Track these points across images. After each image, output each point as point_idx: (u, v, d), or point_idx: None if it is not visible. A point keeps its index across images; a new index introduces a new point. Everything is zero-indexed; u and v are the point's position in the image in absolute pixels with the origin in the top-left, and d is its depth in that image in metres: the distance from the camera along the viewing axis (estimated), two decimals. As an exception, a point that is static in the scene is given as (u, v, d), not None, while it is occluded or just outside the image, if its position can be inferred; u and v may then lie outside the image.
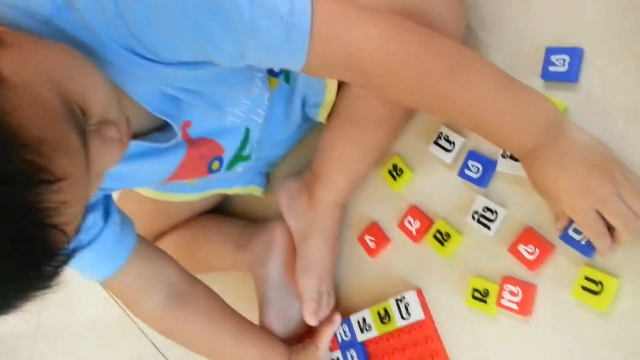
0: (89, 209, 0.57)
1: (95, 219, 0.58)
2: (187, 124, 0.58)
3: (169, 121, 0.52)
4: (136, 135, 0.53)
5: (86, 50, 0.44)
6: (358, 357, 0.70)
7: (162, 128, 0.55)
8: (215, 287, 0.74)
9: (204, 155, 0.64)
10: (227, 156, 0.66)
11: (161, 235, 0.84)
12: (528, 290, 0.56)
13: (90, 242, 0.58)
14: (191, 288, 0.68)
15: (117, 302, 0.93)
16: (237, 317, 0.71)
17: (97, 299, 1.13)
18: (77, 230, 0.38)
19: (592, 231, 0.49)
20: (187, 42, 0.46)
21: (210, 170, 0.67)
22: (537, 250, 0.56)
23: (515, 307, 0.57)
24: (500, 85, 0.49)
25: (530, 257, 0.56)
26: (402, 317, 0.65)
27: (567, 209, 0.50)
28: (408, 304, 0.64)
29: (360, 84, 0.54)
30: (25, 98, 0.35)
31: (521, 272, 0.58)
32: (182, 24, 0.44)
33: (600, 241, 0.49)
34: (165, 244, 0.82)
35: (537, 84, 0.58)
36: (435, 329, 0.64)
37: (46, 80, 0.37)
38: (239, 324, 0.70)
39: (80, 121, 0.39)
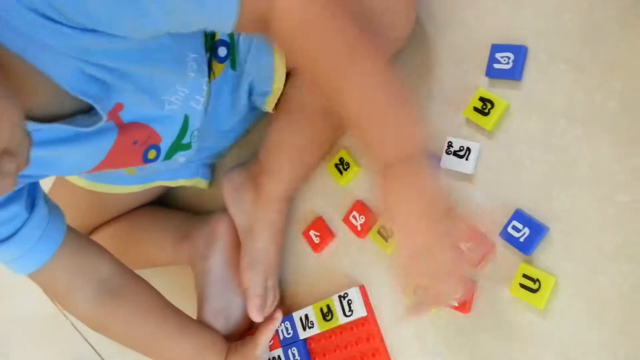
0: (10, 200, 0.54)
1: (19, 210, 0.55)
2: (118, 107, 0.54)
3: (91, 103, 0.49)
4: (57, 118, 0.49)
5: None
6: (300, 355, 0.68)
7: (89, 111, 0.51)
8: (154, 282, 0.71)
9: (138, 141, 0.60)
10: (164, 144, 0.63)
11: (98, 228, 0.80)
12: (468, 287, 0.56)
13: (13, 235, 0.55)
14: (125, 282, 0.65)
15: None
16: (175, 312, 0.68)
17: (29, 295, 1.07)
18: None
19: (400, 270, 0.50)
20: (108, 5, 0.42)
21: (146, 159, 0.63)
22: (478, 247, 0.56)
23: (455, 303, 0.57)
24: (392, 93, 0.49)
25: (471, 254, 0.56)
26: (345, 314, 0.64)
27: (394, 222, 0.50)
28: (351, 300, 0.63)
29: (276, 43, 0.52)
30: None
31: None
32: None
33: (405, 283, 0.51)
34: (102, 238, 0.78)
35: (483, 81, 0.58)
36: (377, 327, 0.63)
37: None
38: (176, 319, 0.68)
39: None
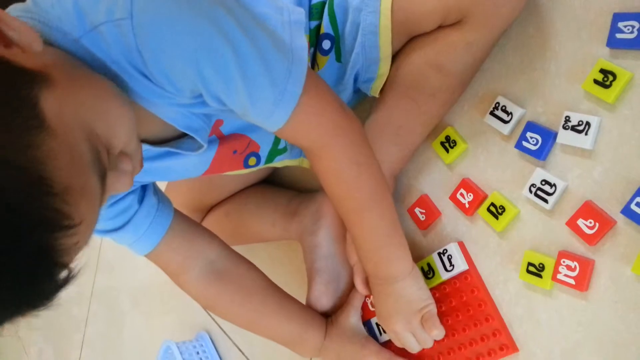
0: (127, 194, 0.61)
1: (132, 202, 0.62)
2: (219, 122, 0.60)
3: (195, 136, 0.54)
4: (167, 140, 0.55)
5: (111, 74, 0.45)
6: None
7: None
8: (264, 256, 0.75)
9: (238, 150, 0.66)
10: (263, 152, 0.68)
11: (212, 207, 0.86)
12: (586, 265, 0.55)
13: (126, 224, 0.63)
14: (231, 265, 0.70)
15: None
16: (277, 292, 0.72)
17: (140, 265, 1.16)
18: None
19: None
20: (190, 90, 0.47)
21: (247, 166, 0.69)
22: (597, 224, 0.55)
23: (571, 281, 0.56)
24: (393, 227, 0.61)
25: (589, 232, 0.55)
26: (446, 270, 0.65)
27: (378, 319, 0.68)
28: (451, 255, 0.64)
29: (310, 159, 0.58)
30: (60, 146, 0.37)
31: (579, 246, 0.57)
32: (188, 74, 0.45)
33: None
34: (217, 216, 0.84)
35: (603, 52, 0.55)
36: (480, 279, 0.64)
37: (81, 125, 0.39)
38: (279, 299, 0.72)
39: (103, 164, 0.41)
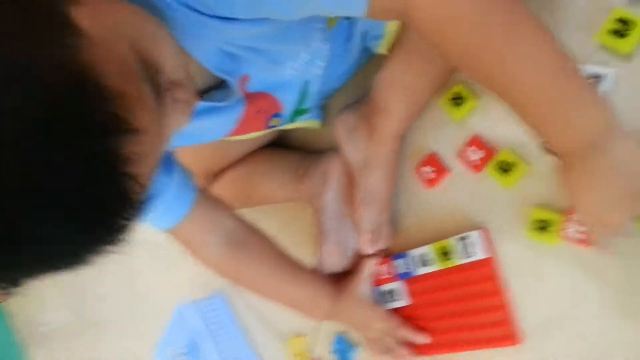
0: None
1: (158, 174, 0.60)
2: (245, 78, 0.59)
3: (228, 80, 0.53)
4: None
5: (147, 6, 0.44)
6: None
7: (219, 86, 0.55)
8: (276, 218, 0.75)
9: (262, 109, 0.65)
10: (286, 112, 0.67)
11: (221, 171, 0.86)
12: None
13: (157, 195, 0.61)
14: (247, 235, 0.71)
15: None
16: (290, 260, 0.73)
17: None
18: (149, 184, 0.38)
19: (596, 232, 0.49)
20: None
21: (269, 127, 0.68)
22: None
23: (579, 236, 0.55)
24: (560, 68, 0.42)
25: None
26: (465, 256, 0.64)
27: (582, 213, 0.48)
28: (472, 243, 0.63)
29: (417, 33, 0.49)
30: (104, 52, 0.35)
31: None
32: None
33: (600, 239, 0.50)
34: (226, 180, 0.84)
35: (619, 1, 0.53)
36: (498, 268, 0.62)
37: (122, 37, 0.37)
38: (291, 267, 0.73)
39: (154, 77, 0.39)
